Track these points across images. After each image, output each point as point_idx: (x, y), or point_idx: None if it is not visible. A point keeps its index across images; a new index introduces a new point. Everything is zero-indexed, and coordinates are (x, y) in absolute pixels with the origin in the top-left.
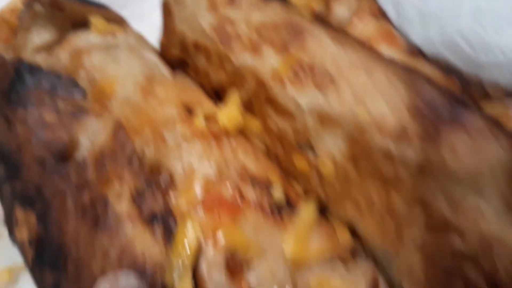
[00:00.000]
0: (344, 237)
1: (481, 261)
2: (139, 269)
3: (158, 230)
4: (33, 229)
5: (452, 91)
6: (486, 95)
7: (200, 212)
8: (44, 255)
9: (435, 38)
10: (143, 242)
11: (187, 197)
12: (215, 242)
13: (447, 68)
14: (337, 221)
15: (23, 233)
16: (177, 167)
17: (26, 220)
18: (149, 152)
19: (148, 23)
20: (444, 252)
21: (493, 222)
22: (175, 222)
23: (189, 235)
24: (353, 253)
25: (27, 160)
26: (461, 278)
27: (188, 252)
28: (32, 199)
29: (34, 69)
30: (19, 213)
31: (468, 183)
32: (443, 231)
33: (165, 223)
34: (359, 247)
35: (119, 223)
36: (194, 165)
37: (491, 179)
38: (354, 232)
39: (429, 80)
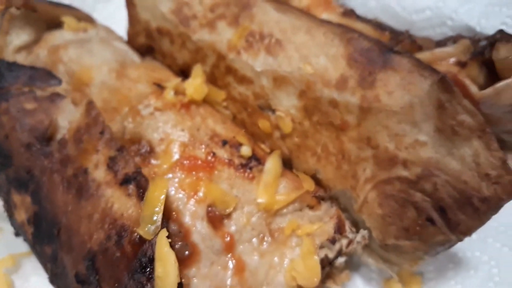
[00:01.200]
0: (308, 185)
1: (426, 186)
2: (119, 228)
3: (132, 189)
4: (29, 208)
5: (381, 41)
6: (418, 48)
7: (178, 173)
8: (41, 229)
9: (372, 4)
10: (120, 202)
11: (165, 161)
12: (195, 197)
13: (380, 26)
14: (300, 172)
15: (22, 215)
16: (154, 135)
17: (23, 202)
18: (129, 125)
19: (114, 22)
20: (393, 185)
21: (430, 149)
22: (146, 181)
23: (161, 190)
24: (318, 199)
25: (16, 147)
26: (411, 205)
27: (159, 206)
28: (25, 182)
29: (11, 65)
30: (16, 198)
31: (404, 117)
32: (390, 164)
33: (137, 183)
34: (323, 193)
35: (99, 189)
36: (169, 133)
37: (422, 110)
38: (316, 181)
39: (361, 34)
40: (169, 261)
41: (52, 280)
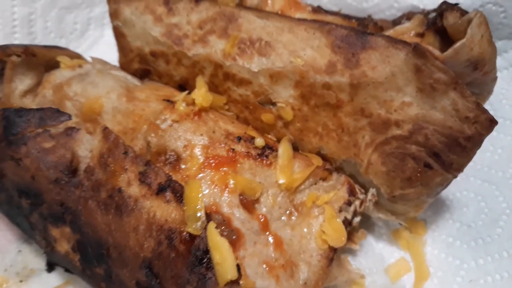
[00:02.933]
0: (317, 161)
1: (418, 139)
2: (167, 232)
3: (169, 196)
4: (71, 238)
5: (355, 28)
6: (380, 28)
7: (207, 172)
8: (88, 254)
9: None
10: (162, 210)
11: (193, 164)
12: (227, 189)
13: (347, 16)
14: (306, 152)
15: (64, 245)
16: (178, 144)
17: (62, 234)
18: (152, 140)
19: (95, 53)
20: (391, 143)
21: (415, 107)
22: (180, 185)
23: (196, 190)
24: (328, 171)
25: (44, 185)
26: (410, 157)
27: (199, 204)
28: (60, 215)
29: (19, 111)
30: (54, 232)
31: (389, 86)
32: (384, 127)
33: (172, 189)
34: (330, 166)
35: (137, 203)
36: (190, 139)
37: (403, 76)
38: (322, 157)
39: (336, 24)
40: (224, 247)
41: None
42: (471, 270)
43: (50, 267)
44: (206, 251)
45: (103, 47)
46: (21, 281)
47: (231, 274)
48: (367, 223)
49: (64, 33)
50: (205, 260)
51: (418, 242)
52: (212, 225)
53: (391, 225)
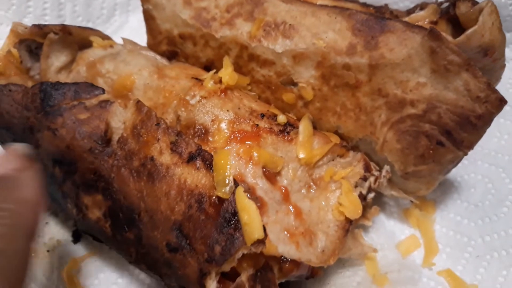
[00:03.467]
0: (335, 139)
1: (432, 117)
2: (197, 196)
3: (199, 163)
4: (103, 204)
5: (374, 13)
6: (396, 17)
7: (233, 145)
8: (119, 219)
9: None
10: (192, 176)
11: (220, 137)
12: (252, 161)
13: (364, 4)
14: (325, 131)
15: (96, 213)
16: (206, 118)
17: (94, 201)
18: (182, 114)
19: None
20: (406, 122)
21: (429, 87)
22: (209, 154)
23: (225, 158)
24: (346, 148)
25: (78, 154)
26: (423, 135)
27: (228, 170)
28: (93, 182)
29: (55, 84)
30: (86, 199)
31: (405, 67)
32: (400, 107)
33: (202, 157)
34: (347, 144)
35: (169, 170)
36: (217, 114)
37: (418, 57)
38: (339, 136)
39: (356, 10)
40: (252, 208)
41: (138, 261)
42: (478, 246)
43: (76, 239)
44: (234, 213)
45: (127, 32)
46: (48, 251)
47: (258, 233)
48: (378, 202)
49: (91, 17)
50: (233, 222)
51: (428, 220)
52: (240, 189)
53: (402, 204)
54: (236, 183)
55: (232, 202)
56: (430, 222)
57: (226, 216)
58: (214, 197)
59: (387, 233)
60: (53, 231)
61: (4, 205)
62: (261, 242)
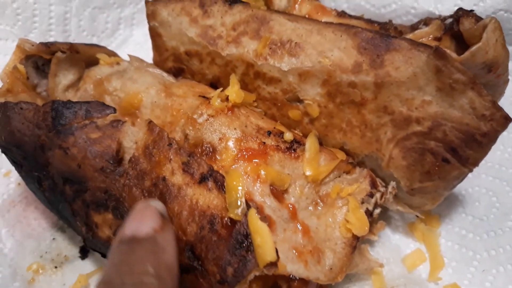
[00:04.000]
0: (341, 155)
1: (437, 135)
2: (209, 218)
3: (211, 184)
4: (113, 223)
5: (379, 31)
6: (400, 33)
7: (240, 163)
8: None
9: (344, 6)
10: (204, 197)
11: (228, 156)
12: (259, 179)
13: (369, 20)
14: (331, 147)
15: (106, 231)
16: (213, 137)
17: (104, 220)
18: (190, 133)
19: (124, 51)
20: (411, 139)
21: (435, 105)
22: (221, 175)
23: (237, 179)
24: (352, 165)
25: (90, 173)
26: (429, 152)
27: (240, 192)
28: (103, 201)
29: (67, 103)
30: (96, 218)
31: (411, 85)
32: (405, 124)
33: (214, 179)
34: (353, 160)
35: (181, 190)
36: (225, 133)
37: (424, 76)
38: (345, 152)
39: (361, 28)
40: (264, 231)
41: None
42: (484, 260)
43: (84, 254)
44: (247, 235)
45: (132, 46)
46: (56, 267)
47: (271, 256)
48: (384, 216)
49: (96, 31)
50: (245, 243)
51: (433, 234)
52: (253, 211)
53: (407, 218)
54: (248, 205)
55: (244, 223)
56: (435, 236)
57: (239, 238)
58: (226, 219)
59: (393, 247)
60: (61, 247)
61: (152, 270)
62: (273, 264)
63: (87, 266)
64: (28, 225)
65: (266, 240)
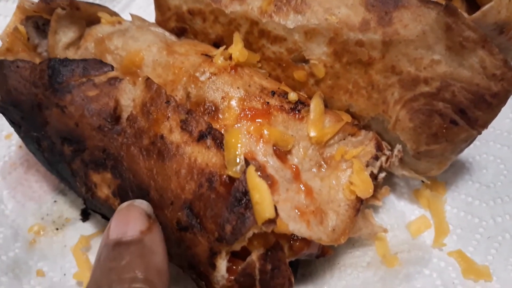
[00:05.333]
0: (346, 117)
1: (445, 95)
2: (208, 176)
3: (209, 142)
4: (112, 183)
5: None
6: None
7: (243, 122)
8: (128, 198)
9: None
10: (202, 155)
11: (230, 114)
12: (262, 139)
13: None
14: (336, 109)
15: (105, 191)
16: (216, 95)
17: (103, 179)
18: (192, 91)
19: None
20: (419, 100)
21: (444, 65)
22: (220, 133)
23: (236, 136)
24: (357, 127)
25: (87, 132)
26: (436, 114)
27: (238, 149)
28: (102, 160)
29: (64, 61)
30: (95, 177)
31: (419, 44)
32: (413, 85)
33: (213, 136)
34: (358, 123)
35: (179, 148)
36: (228, 91)
37: (433, 34)
38: (351, 114)
39: None
40: (263, 187)
41: None
42: (490, 227)
43: (85, 217)
44: (245, 193)
45: (135, 10)
46: (57, 229)
47: (269, 212)
48: (389, 182)
49: None
50: (244, 201)
51: (439, 200)
52: (252, 168)
53: (412, 185)
54: (247, 162)
55: (243, 181)
56: (441, 203)
57: (237, 195)
58: (224, 176)
59: (397, 213)
60: (62, 209)
61: (141, 275)
62: (272, 221)
63: (89, 228)
64: (30, 188)
65: (264, 197)
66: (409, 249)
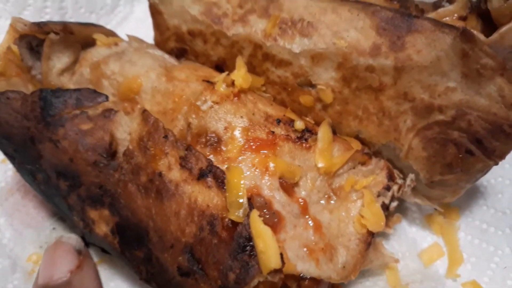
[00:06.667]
0: (356, 145)
1: (461, 124)
2: (209, 218)
3: (210, 181)
4: (110, 220)
5: (400, 9)
6: (421, 11)
7: (248, 154)
8: (127, 237)
9: None
10: (203, 195)
11: (234, 146)
12: (268, 172)
13: None
14: (345, 136)
15: (103, 228)
16: (218, 126)
17: (101, 216)
18: (193, 121)
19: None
20: (433, 129)
21: (459, 92)
22: (222, 171)
23: (238, 176)
24: (368, 155)
25: (82, 167)
26: (451, 143)
27: (242, 191)
28: (99, 197)
29: (56, 92)
30: (93, 214)
31: (434, 70)
32: (427, 112)
33: (214, 175)
34: (368, 150)
35: (178, 187)
36: (230, 121)
37: (449, 60)
38: (360, 141)
39: (380, 6)
40: (267, 235)
41: (148, 279)
42: (506, 256)
43: (85, 244)
44: (249, 239)
45: (133, 23)
46: None
47: (275, 262)
48: (400, 208)
49: (94, 8)
50: (248, 248)
51: (452, 227)
52: (255, 213)
53: (424, 210)
54: (251, 206)
55: (246, 226)
56: (454, 230)
57: (240, 242)
58: (227, 220)
59: (409, 240)
60: None
61: None
62: (278, 271)
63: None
64: (27, 214)
65: (269, 245)
66: (421, 280)
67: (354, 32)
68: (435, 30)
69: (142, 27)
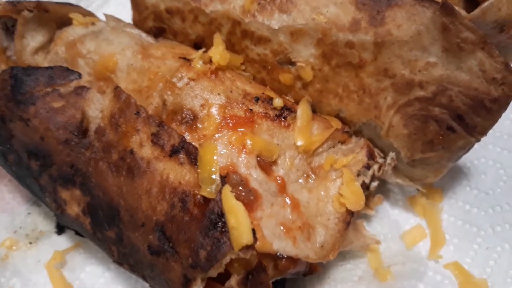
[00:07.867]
0: (336, 123)
1: (442, 100)
2: (181, 195)
3: (183, 158)
4: (81, 200)
5: None
6: None
7: (224, 132)
8: (99, 217)
9: None
10: (175, 172)
11: (210, 123)
12: (245, 150)
13: None
14: (325, 114)
15: (74, 208)
16: (194, 103)
17: (72, 196)
18: (169, 98)
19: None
20: (414, 105)
21: (440, 67)
22: (194, 147)
23: (211, 152)
24: (348, 134)
25: (53, 146)
26: (432, 120)
27: (214, 166)
28: (70, 176)
29: (27, 69)
30: (64, 194)
31: (414, 45)
32: (407, 89)
33: (186, 151)
34: (349, 129)
35: (150, 165)
36: (207, 98)
37: (429, 35)
38: (340, 120)
39: None
40: (239, 211)
41: (120, 260)
42: (488, 237)
43: (60, 230)
44: (221, 215)
45: (113, 6)
46: (30, 243)
47: (247, 238)
48: (382, 189)
49: None
50: (219, 224)
51: (435, 208)
52: (227, 188)
53: (407, 192)
54: (223, 181)
55: (218, 202)
56: (437, 211)
57: (212, 218)
58: (199, 196)
59: (391, 222)
60: (36, 222)
61: None
62: (250, 247)
63: (64, 241)
64: (2, 199)
65: (241, 221)
66: (403, 262)
67: (333, 8)
68: (415, 4)
69: (124, 9)
